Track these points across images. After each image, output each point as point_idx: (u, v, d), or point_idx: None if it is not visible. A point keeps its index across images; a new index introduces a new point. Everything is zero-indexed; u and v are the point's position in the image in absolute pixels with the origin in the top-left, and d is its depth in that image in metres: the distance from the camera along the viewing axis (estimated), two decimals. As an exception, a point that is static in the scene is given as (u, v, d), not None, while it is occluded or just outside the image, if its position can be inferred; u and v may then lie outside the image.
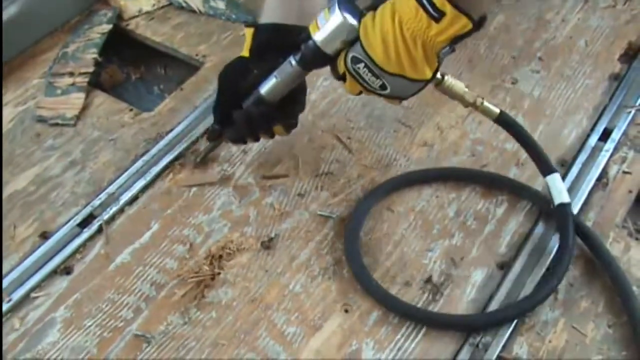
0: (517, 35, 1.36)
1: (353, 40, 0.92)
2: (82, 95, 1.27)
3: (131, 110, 1.26)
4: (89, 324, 0.97)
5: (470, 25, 0.83)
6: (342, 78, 0.97)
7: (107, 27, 1.39)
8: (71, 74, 1.30)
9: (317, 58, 0.95)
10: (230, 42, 1.37)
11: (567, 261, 0.98)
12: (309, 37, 0.94)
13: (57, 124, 1.23)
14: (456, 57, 1.30)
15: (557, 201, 1.02)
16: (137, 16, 1.44)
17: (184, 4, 1.45)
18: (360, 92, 0.97)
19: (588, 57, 1.31)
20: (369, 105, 1.23)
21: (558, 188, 1.02)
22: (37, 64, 1.34)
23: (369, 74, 0.91)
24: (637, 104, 1.22)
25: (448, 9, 0.82)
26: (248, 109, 1.04)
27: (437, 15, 0.83)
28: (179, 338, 0.95)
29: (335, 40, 0.93)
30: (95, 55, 1.33)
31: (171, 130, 1.20)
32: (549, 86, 1.26)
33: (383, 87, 0.92)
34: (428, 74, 0.90)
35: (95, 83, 1.33)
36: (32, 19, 1.34)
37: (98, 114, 1.25)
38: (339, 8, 0.91)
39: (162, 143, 1.18)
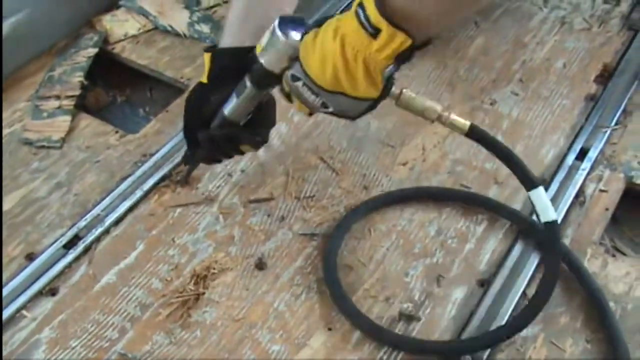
0: (496, 57, 1.39)
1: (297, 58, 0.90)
2: (68, 118, 1.28)
3: (117, 132, 1.27)
4: (74, 344, 0.97)
5: (409, 42, 0.80)
6: (289, 97, 0.95)
7: (93, 51, 1.40)
8: (57, 97, 1.31)
9: (267, 78, 0.94)
10: (215, 65, 1.39)
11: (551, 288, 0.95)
12: (256, 58, 0.94)
13: (43, 147, 1.24)
14: (436, 79, 1.33)
15: (543, 219, 0.94)
16: (122, 40, 1.46)
17: (169, 28, 1.47)
18: (311, 113, 0.95)
19: (565, 78, 1.34)
20: (351, 127, 1.25)
21: (543, 203, 0.94)
22: (24, 87, 1.35)
23: (308, 92, 0.88)
24: (613, 124, 1.25)
25: (384, 25, 0.79)
26: (211, 131, 1.02)
27: (374, 32, 0.80)
28: (164, 358, 0.96)
29: (279, 59, 0.92)
30: (81, 79, 1.35)
31: (156, 152, 1.22)
32: (527, 107, 1.29)
33: (324, 105, 0.89)
34: (373, 93, 0.86)
35: (81, 106, 1.35)
36: (20, 42, 1.35)
37: (84, 136, 1.26)
38: (279, 27, 0.90)
39: (147, 165, 1.20)
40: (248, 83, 0.97)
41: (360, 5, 0.81)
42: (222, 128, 1.02)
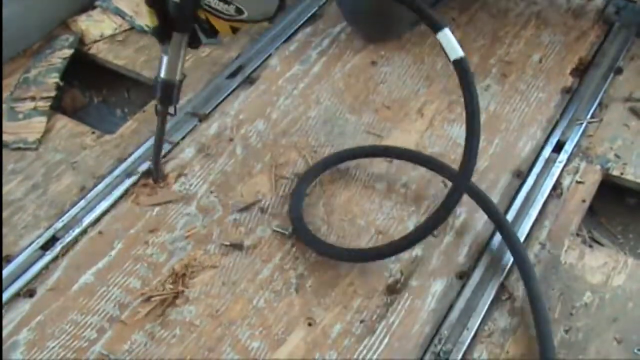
0: (473, 51, 1.39)
1: None
2: (43, 119, 1.27)
3: (93, 133, 1.26)
4: (52, 345, 0.97)
5: None
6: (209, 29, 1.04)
7: (68, 52, 1.39)
8: (33, 99, 1.30)
9: (182, 15, 1.02)
10: (192, 65, 1.39)
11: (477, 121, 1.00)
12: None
13: (19, 148, 1.23)
14: (414, 74, 1.33)
15: (452, 57, 0.98)
16: (98, 40, 1.45)
17: (145, 28, 1.46)
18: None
19: (541, 72, 1.35)
20: (329, 122, 1.25)
21: (451, 43, 0.98)
22: (-2, 89, 1.34)
23: (220, 3, 0.99)
24: (589, 116, 1.25)
25: None
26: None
27: None
28: (144, 357, 0.96)
29: None
30: (57, 80, 1.34)
31: (134, 151, 1.21)
32: (504, 100, 1.29)
33: (239, 11, 1.00)
34: None
35: (58, 107, 1.34)
36: (-7, 44, 1.34)
37: (60, 137, 1.26)
38: None
39: (124, 165, 1.19)
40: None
41: None
42: (164, 89, 1.10)
